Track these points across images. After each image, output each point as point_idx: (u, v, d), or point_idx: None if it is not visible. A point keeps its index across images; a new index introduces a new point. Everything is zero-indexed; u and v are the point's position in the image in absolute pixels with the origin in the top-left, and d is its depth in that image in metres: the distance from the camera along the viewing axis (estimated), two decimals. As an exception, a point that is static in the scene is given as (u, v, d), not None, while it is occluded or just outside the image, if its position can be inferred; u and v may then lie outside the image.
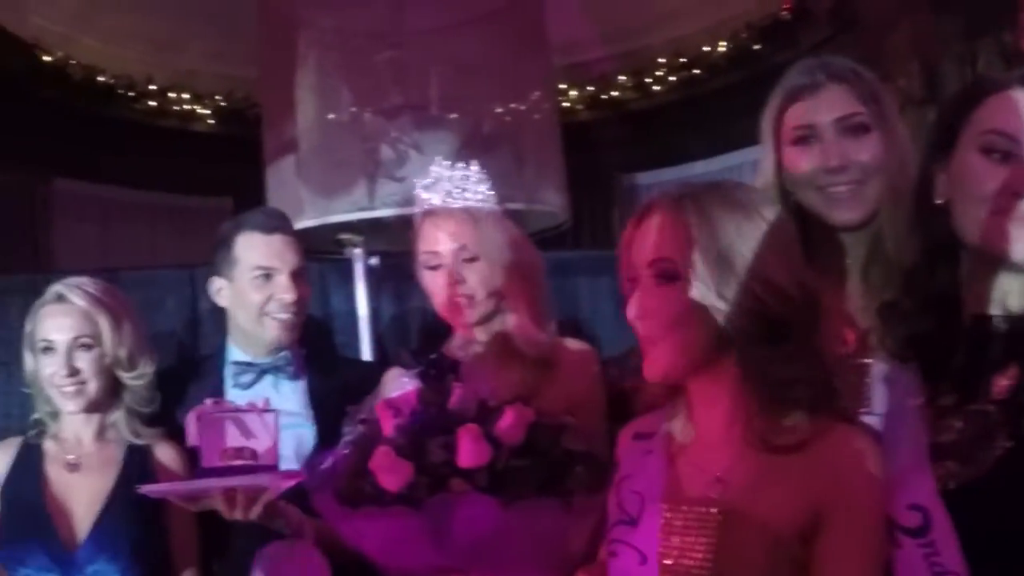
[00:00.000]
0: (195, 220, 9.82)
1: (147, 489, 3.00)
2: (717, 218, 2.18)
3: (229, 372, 3.50)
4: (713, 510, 2.18)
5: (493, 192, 3.17)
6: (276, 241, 3.47)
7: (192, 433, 3.06)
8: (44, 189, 9.47)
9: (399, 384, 2.85)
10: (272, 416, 2.98)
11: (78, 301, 3.31)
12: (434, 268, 3.14)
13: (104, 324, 3.30)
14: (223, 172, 9.42)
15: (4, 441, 3.43)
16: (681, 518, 2.22)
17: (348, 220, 4.86)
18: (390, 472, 2.49)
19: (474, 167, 3.17)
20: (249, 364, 3.48)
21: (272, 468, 2.91)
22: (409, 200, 4.91)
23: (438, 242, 3.11)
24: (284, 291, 3.43)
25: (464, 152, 4.81)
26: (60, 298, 3.34)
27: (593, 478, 2.52)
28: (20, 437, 3.41)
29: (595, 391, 3.11)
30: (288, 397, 3.46)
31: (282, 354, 3.49)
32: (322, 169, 5.10)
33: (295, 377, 3.51)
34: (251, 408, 3.01)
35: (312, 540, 3.01)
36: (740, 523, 2.15)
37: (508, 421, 2.54)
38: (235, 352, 3.53)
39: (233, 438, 2.96)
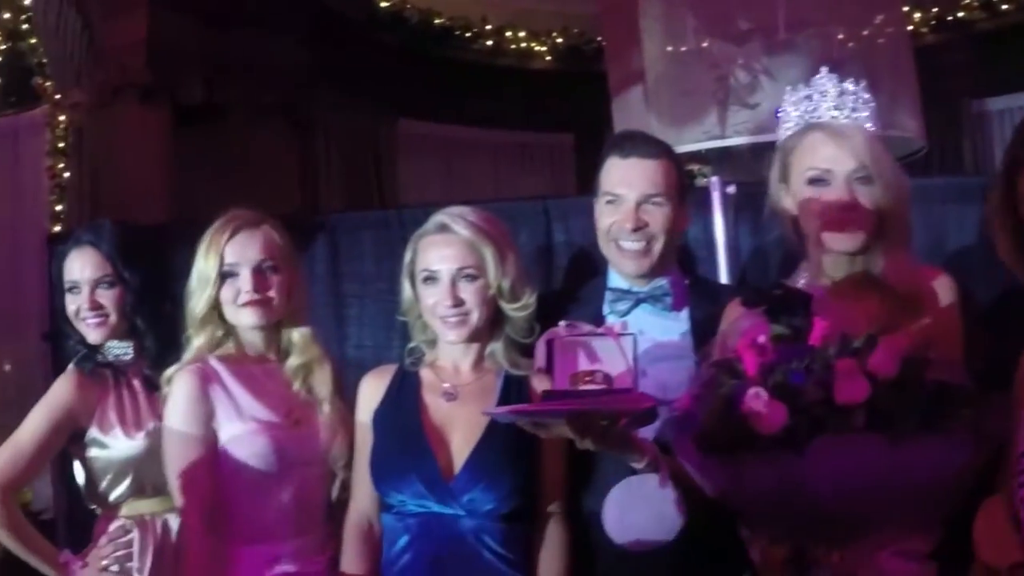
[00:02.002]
0: (536, 157, 9.90)
1: (493, 412, 2.98)
2: None
3: (607, 299, 3.41)
4: None
5: (873, 114, 2.99)
6: (629, 166, 3.35)
7: (540, 356, 2.96)
8: (389, 130, 9.70)
9: (743, 321, 2.71)
10: (629, 340, 2.81)
11: (462, 231, 3.26)
12: (820, 184, 2.96)
13: (488, 254, 3.25)
14: (562, 108, 9.49)
15: (378, 368, 3.44)
16: None
17: (698, 149, 4.75)
18: (765, 415, 2.37)
19: (863, 85, 2.98)
20: (626, 291, 3.39)
21: (626, 393, 2.77)
22: (762, 127, 4.80)
23: (830, 159, 2.94)
24: (625, 218, 3.32)
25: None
26: (443, 228, 3.29)
27: (979, 416, 2.37)
28: (394, 365, 3.41)
29: (954, 321, 2.90)
30: (667, 327, 3.36)
31: (660, 283, 3.38)
32: (671, 98, 5.00)
33: (675, 307, 3.38)
34: (606, 331, 2.89)
35: (667, 478, 2.92)
36: None
37: (882, 353, 2.39)
38: (614, 278, 3.44)
39: (585, 362, 2.85)
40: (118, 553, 3.51)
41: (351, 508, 3.33)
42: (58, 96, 8.12)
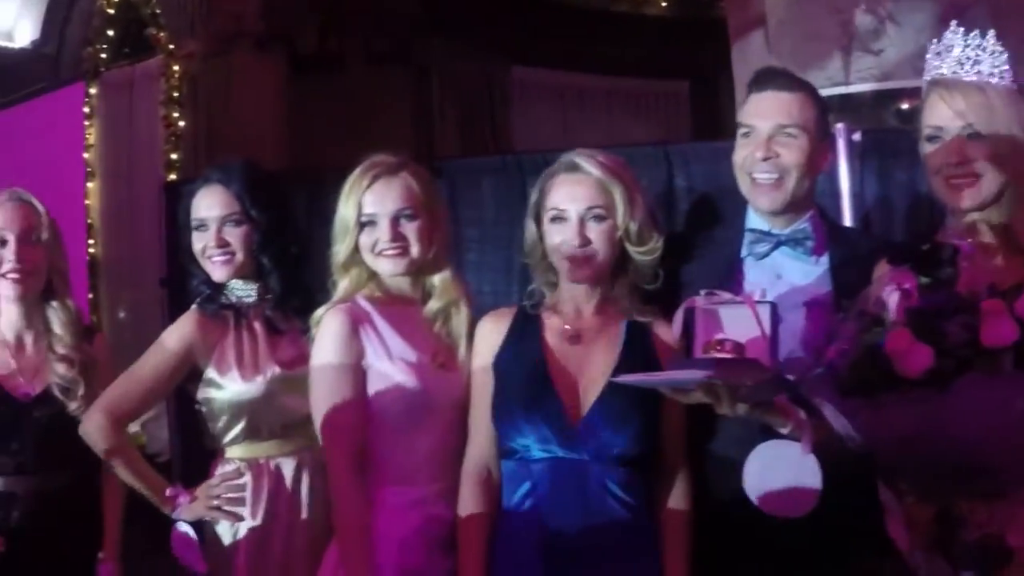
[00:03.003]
0: (651, 104, 9.82)
1: (624, 378, 2.94)
2: None
3: (746, 240, 3.33)
4: None
5: (1008, 66, 2.90)
6: (763, 99, 3.28)
7: (677, 325, 2.97)
8: (503, 77, 9.67)
9: (889, 276, 2.65)
10: (766, 308, 2.82)
11: (593, 170, 3.20)
12: (935, 141, 2.91)
13: (618, 196, 3.18)
14: (678, 55, 9.39)
15: (496, 311, 3.40)
16: None
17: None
18: (909, 356, 2.34)
19: (990, 36, 2.89)
20: (765, 233, 3.30)
21: (757, 362, 2.75)
22: (887, 74, 4.71)
23: (941, 115, 2.88)
24: (756, 148, 3.24)
25: (941, 23, 4.54)
26: (574, 167, 3.23)
27: None
28: (512, 308, 3.37)
29: None
30: (806, 272, 3.27)
31: (801, 226, 3.28)
32: (793, 43, 4.94)
33: (814, 252, 3.28)
34: (744, 299, 2.87)
35: (810, 442, 2.87)
36: None
37: None
38: (753, 219, 3.35)
39: (719, 330, 2.85)
40: (230, 494, 3.54)
41: (468, 454, 3.28)
42: (172, 46, 8.20)
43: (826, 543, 3.06)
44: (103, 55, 8.80)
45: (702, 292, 2.93)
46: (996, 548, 2.41)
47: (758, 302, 2.84)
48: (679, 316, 2.96)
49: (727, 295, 2.91)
